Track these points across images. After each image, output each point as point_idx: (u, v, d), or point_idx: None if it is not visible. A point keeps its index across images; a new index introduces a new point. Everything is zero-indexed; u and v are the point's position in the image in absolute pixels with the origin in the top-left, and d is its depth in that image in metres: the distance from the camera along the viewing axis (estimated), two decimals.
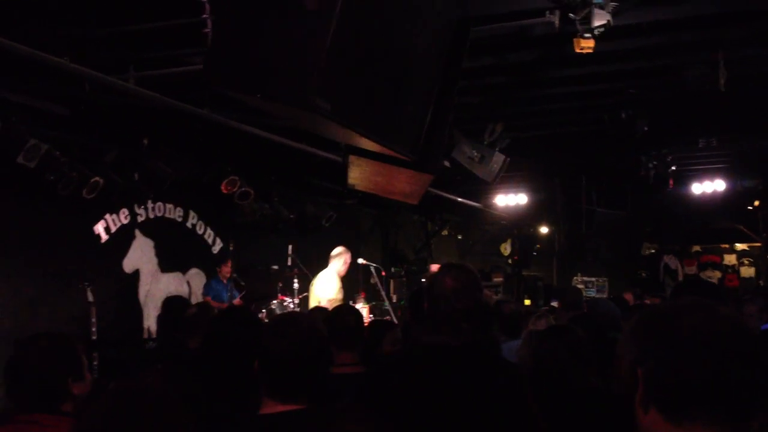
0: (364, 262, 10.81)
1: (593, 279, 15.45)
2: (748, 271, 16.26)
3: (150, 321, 9.78)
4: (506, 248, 16.67)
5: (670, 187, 10.89)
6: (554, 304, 8.18)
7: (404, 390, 2.56)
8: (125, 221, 9.51)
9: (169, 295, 9.64)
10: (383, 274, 10.70)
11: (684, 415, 1.38)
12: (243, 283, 10.37)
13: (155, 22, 5.32)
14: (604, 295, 13.77)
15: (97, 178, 7.86)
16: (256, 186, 10.12)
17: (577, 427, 2.88)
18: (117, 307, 9.13)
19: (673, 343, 1.41)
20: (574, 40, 5.17)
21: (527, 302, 14.12)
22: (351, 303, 9.54)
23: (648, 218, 14.50)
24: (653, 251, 16.27)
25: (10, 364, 2.67)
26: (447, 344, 2.70)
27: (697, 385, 1.38)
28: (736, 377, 1.37)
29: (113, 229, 9.33)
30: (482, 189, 13.03)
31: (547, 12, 5.13)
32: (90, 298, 7.79)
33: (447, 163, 7.91)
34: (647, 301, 9.93)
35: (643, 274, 16.25)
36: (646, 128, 7.68)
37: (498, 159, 7.92)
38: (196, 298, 10.02)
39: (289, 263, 10.64)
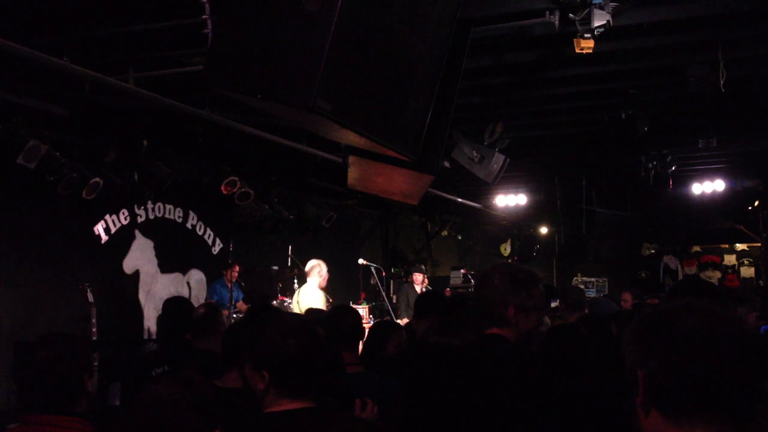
0: (365, 262, 10.83)
1: (593, 279, 15.45)
2: (748, 271, 16.27)
3: (150, 321, 9.78)
4: (506, 248, 16.68)
5: (670, 187, 10.90)
6: (554, 304, 8.17)
7: (413, 389, 2.56)
8: (125, 222, 9.51)
9: (170, 295, 9.67)
10: (383, 274, 10.70)
11: (685, 415, 1.39)
12: (243, 284, 10.37)
13: (155, 22, 5.33)
14: (604, 296, 13.78)
15: (97, 179, 7.86)
16: (256, 187, 10.12)
17: (585, 426, 2.88)
18: (117, 307, 9.13)
19: (673, 345, 1.41)
20: (574, 40, 5.17)
21: None
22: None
23: (648, 218, 14.49)
24: (653, 251, 16.26)
25: (24, 366, 2.66)
26: (455, 344, 2.70)
27: (697, 385, 1.38)
28: (735, 377, 1.38)
29: (113, 229, 9.32)
30: (482, 189, 13.03)
31: (547, 12, 5.13)
32: (90, 298, 7.79)
33: (447, 164, 7.92)
34: (649, 301, 9.93)
35: (643, 275, 16.25)
36: (646, 128, 7.68)
37: (498, 159, 7.92)
38: (196, 299, 10.02)
39: (289, 264, 10.64)
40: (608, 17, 4.95)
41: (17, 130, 6.98)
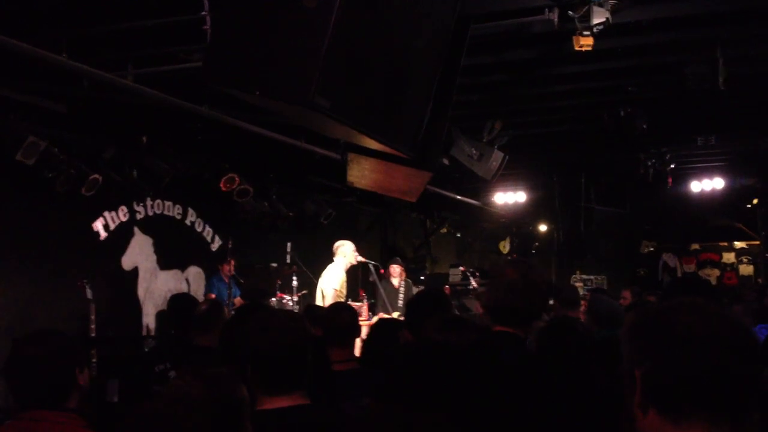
0: (363, 259, 10.81)
1: (592, 277, 15.45)
2: (746, 269, 16.27)
3: (149, 318, 9.79)
4: (505, 246, 16.68)
5: (669, 185, 10.89)
6: (552, 302, 8.17)
7: (414, 387, 2.57)
8: (124, 219, 9.51)
9: (168, 292, 9.69)
10: (382, 272, 10.69)
11: (682, 414, 1.39)
12: (242, 281, 10.38)
13: (154, 19, 5.32)
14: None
15: (95, 176, 7.87)
16: (255, 183, 10.12)
17: (581, 422, 2.88)
18: (116, 304, 9.13)
19: (670, 344, 1.42)
20: (573, 37, 5.17)
21: None
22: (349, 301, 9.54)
23: (647, 216, 14.51)
24: (652, 249, 16.27)
25: (15, 362, 2.67)
26: (456, 342, 2.71)
27: (695, 384, 1.39)
28: (732, 374, 1.38)
29: (112, 226, 9.32)
30: (481, 187, 13.03)
31: (546, 10, 5.13)
32: (89, 295, 7.79)
33: (446, 161, 7.91)
34: (648, 299, 9.94)
35: (642, 272, 16.26)
36: (645, 126, 7.67)
37: (497, 157, 7.91)
38: (195, 295, 10.02)
39: (288, 261, 10.65)
40: (607, 15, 4.95)
41: (16, 126, 6.98)
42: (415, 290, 10.71)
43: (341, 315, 4.18)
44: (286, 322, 2.60)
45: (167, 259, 10.20)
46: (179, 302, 5.88)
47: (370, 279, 11.10)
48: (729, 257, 16.45)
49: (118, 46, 6.00)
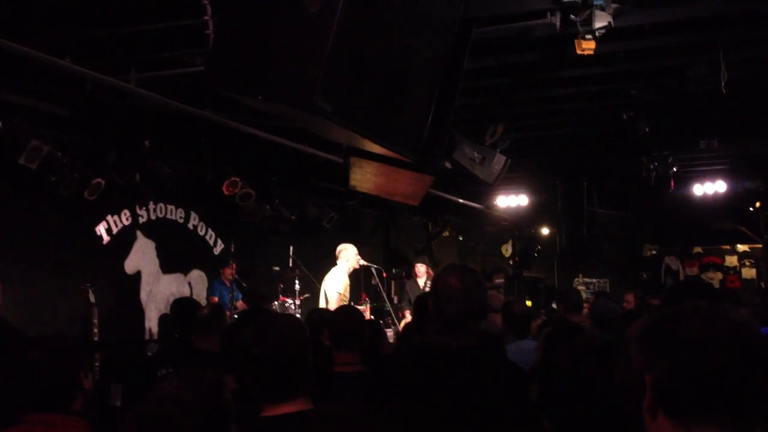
0: (366, 263, 10.81)
1: (594, 280, 15.44)
2: (749, 273, 16.24)
3: (151, 322, 9.79)
4: (507, 249, 16.66)
5: (672, 188, 10.89)
6: (555, 305, 8.17)
7: (410, 390, 2.56)
8: (127, 222, 9.51)
9: (171, 296, 9.69)
10: (384, 275, 10.69)
11: (693, 419, 1.39)
12: (244, 285, 10.38)
13: (157, 23, 5.33)
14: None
15: (98, 179, 7.87)
16: (258, 187, 10.13)
17: (583, 428, 2.88)
18: (118, 308, 9.13)
19: (678, 348, 1.41)
20: (576, 41, 5.17)
21: (528, 303, 14.12)
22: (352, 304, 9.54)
23: (649, 219, 14.48)
24: (654, 252, 16.25)
25: (21, 366, 2.67)
26: (453, 345, 2.70)
27: (705, 389, 1.38)
28: (742, 378, 1.38)
29: (115, 230, 9.33)
30: (483, 190, 13.03)
31: (548, 13, 5.14)
32: (91, 299, 7.79)
33: (448, 165, 7.92)
34: (651, 302, 9.93)
35: (645, 276, 16.24)
36: (647, 129, 7.68)
37: (499, 160, 7.92)
38: (198, 299, 10.02)
39: (291, 264, 10.65)
40: (609, 18, 4.95)
41: (19, 130, 6.99)
42: None
43: (348, 319, 4.20)
44: (285, 328, 2.59)
45: (170, 263, 10.21)
46: (182, 306, 5.89)
47: (373, 282, 11.11)
48: (732, 260, 16.42)
49: (121, 50, 6.01)
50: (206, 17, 4.55)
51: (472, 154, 7.83)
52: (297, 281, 10.20)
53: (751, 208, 13.60)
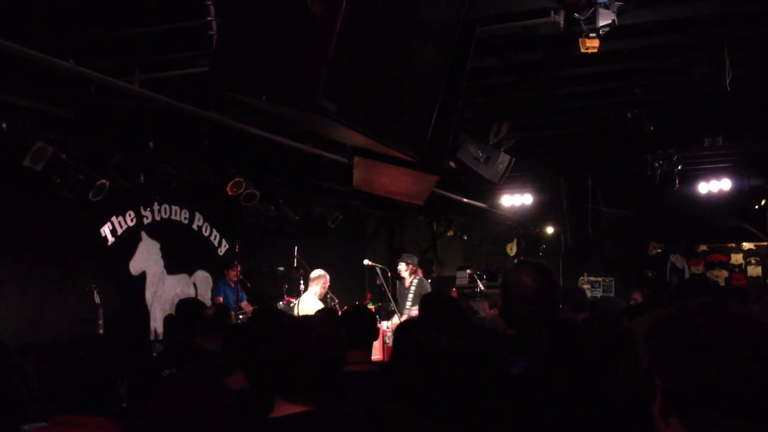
0: (370, 263, 10.81)
1: (599, 279, 15.41)
2: (755, 270, 16.20)
3: (157, 323, 9.80)
4: (512, 248, 16.64)
5: (677, 186, 10.87)
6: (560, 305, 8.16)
7: (420, 390, 2.56)
8: (131, 223, 9.53)
9: (176, 296, 9.71)
10: (389, 275, 10.68)
11: (706, 422, 1.34)
12: (249, 285, 10.39)
13: (160, 24, 5.34)
14: (610, 295, 13.77)
15: (103, 181, 7.89)
16: (262, 188, 10.13)
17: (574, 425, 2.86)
18: (123, 309, 9.15)
19: (689, 350, 1.37)
20: (579, 40, 5.17)
21: None
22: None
23: (654, 218, 14.45)
24: (660, 251, 16.21)
25: (63, 366, 2.66)
26: (461, 346, 2.70)
27: (718, 391, 1.33)
28: (757, 380, 1.33)
29: (119, 231, 9.35)
30: (488, 189, 13.03)
31: (552, 12, 5.12)
32: (97, 300, 7.82)
33: (452, 164, 7.91)
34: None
35: (650, 274, 16.19)
36: (651, 128, 7.66)
37: (503, 159, 7.91)
38: (203, 299, 10.03)
39: (295, 264, 10.65)
40: (613, 16, 4.94)
41: (24, 132, 7.00)
42: (429, 287, 10.51)
43: (363, 317, 4.23)
44: (322, 328, 2.56)
45: (174, 264, 10.22)
46: (187, 307, 5.89)
47: (377, 282, 11.11)
48: (737, 258, 16.38)
49: (124, 52, 6.02)
50: (209, 18, 4.55)
51: (476, 153, 7.82)
52: (302, 281, 10.20)
53: (756, 206, 13.56)
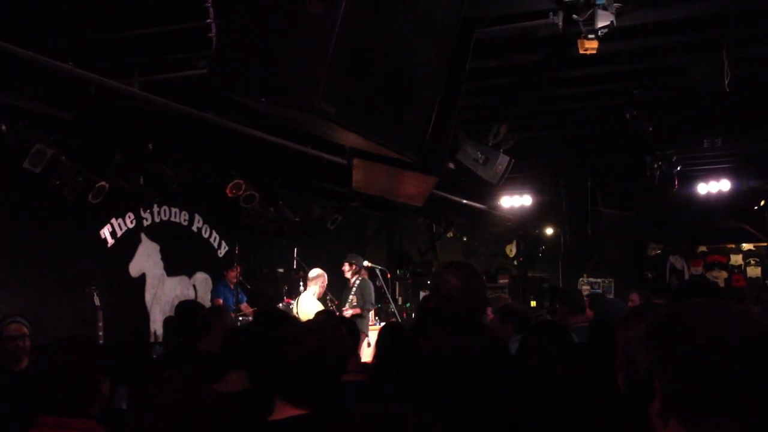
0: (370, 264, 10.81)
1: (599, 280, 15.40)
2: (754, 271, 16.19)
3: (156, 325, 9.80)
4: (511, 249, 16.63)
5: (676, 187, 10.87)
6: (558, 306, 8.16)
7: (432, 393, 2.56)
8: (131, 225, 9.53)
9: (176, 298, 9.70)
10: (388, 276, 10.69)
11: (706, 422, 1.34)
12: (249, 287, 10.39)
13: (160, 26, 5.34)
14: (610, 296, 13.76)
15: (102, 183, 7.89)
16: (261, 189, 10.13)
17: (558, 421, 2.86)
18: (123, 311, 9.15)
19: (688, 350, 1.36)
20: (578, 41, 5.17)
21: (533, 303, 14.11)
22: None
23: (654, 219, 14.45)
24: (659, 252, 16.20)
25: (45, 368, 2.67)
26: (470, 347, 2.70)
27: (717, 392, 1.33)
28: (757, 380, 1.33)
29: (119, 233, 9.35)
30: (487, 190, 13.02)
31: (551, 13, 5.13)
32: (96, 302, 7.81)
33: (451, 165, 7.92)
34: (658, 302, 9.89)
35: (649, 275, 16.19)
36: (650, 129, 7.67)
37: (503, 160, 7.92)
38: (202, 301, 10.03)
39: (295, 266, 10.66)
40: (612, 18, 4.95)
41: (23, 134, 7.00)
42: (371, 291, 10.54)
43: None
44: (327, 340, 2.56)
45: (174, 266, 10.22)
46: (186, 309, 5.90)
47: (377, 284, 11.11)
48: (737, 259, 16.37)
49: (123, 54, 6.03)
50: (209, 20, 4.55)
51: (475, 154, 7.83)
52: (301, 283, 10.20)
53: (756, 207, 13.57)
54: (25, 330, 5.17)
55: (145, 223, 9.78)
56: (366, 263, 10.92)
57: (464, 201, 12.92)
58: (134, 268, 9.61)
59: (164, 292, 10.01)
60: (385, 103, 3.23)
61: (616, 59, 6.38)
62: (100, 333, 7.63)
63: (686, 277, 15.90)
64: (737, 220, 14.55)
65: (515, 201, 14.05)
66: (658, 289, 13.60)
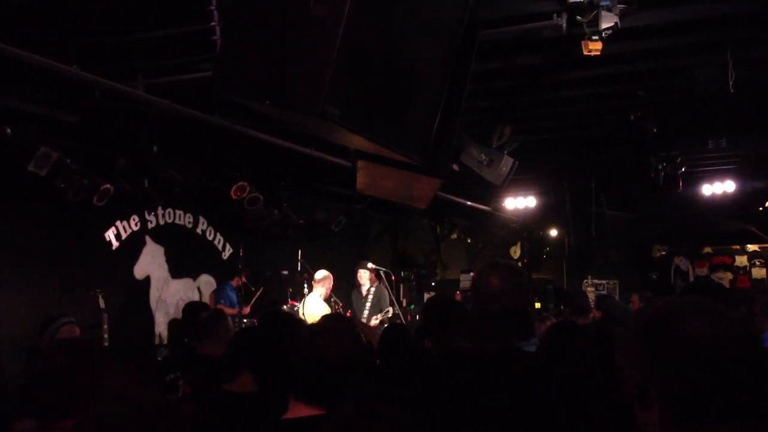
0: (374, 266, 10.80)
1: (603, 282, 15.38)
2: (759, 272, 16.15)
3: (161, 327, 9.81)
4: (516, 251, 16.61)
5: (680, 188, 10.84)
6: (562, 307, 8.14)
7: (445, 396, 2.55)
8: (136, 228, 9.54)
9: (182, 301, 9.72)
10: (393, 278, 10.68)
11: (709, 426, 1.35)
12: (253, 289, 10.39)
13: (164, 29, 5.35)
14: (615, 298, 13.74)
15: (107, 185, 7.90)
16: (266, 191, 10.14)
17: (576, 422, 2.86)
18: (128, 313, 9.16)
19: (687, 356, 1.36)
20: (582, 42, 5.17)
21: (537, 305, 14.08)
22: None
23: (658, 220, 14.42)
24: (664, 253, 16.17)
25: (46, 371, 2.66)
26: (485, 350, 2.68)
27: (715, 393, 1.34)
28: (751, 380, 1.34)
29: (124, 235, 9.36)
30: (491, 192, 13.01)
31: (555, 15, 5.13)
32: (101, 304, 7.83)
33: (455, 167, 7.91)
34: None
35: (654, 276, 16.15)
36: (655, 130, 7.66)
37: (507, 162, 7.91)
38: (209, 303, 10.04)
39: (299, 268, 10.66)
40: (616, 19, 4.94)
41: (28, 137, 7.02)
42: (387, 297, 10.39)
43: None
44: (342, 340, 2.57)
45: (179, 268, 10.23)
46: (192, 310, 5.91)
47: (381, 285, 11.09)
48: (742, 260, 16.33)
49: (128, 57, 6.04)
50: (213, 23, 4.56)
51: (479, 156, 7.82)
52: (305, 285, 10.20)
53: (761, 208, 13.54)
54: (77, 331, 5.20)
55: (150, 226, 9.79)
56: (370, 265, 10.92)
57: (468, 203, 12.92)
58: (139, 271, 9.63)
59: (169, 295, 10.02)
60: (389, 105, 3.24)
61: (620, 61, 6.37)
62: (105, 335, 7.65)
63: (691, 278, 15.87)
64: (742, 222, 14.52)
65: (519, 203, 14.04)
66: (663, 290, 13.57)
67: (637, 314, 1.54)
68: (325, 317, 2.88)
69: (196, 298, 10.35)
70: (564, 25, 5.14)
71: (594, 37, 5.07)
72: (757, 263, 16.19)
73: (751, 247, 16.16)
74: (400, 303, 10.51)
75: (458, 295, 11.89)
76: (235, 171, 9.63)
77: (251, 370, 3.54)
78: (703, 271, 16.30)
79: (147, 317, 9.72)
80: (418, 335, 4.95)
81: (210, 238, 10.94)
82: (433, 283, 14.03)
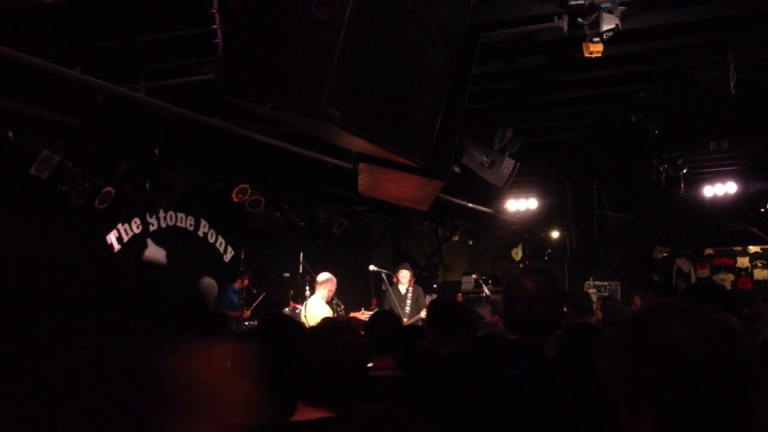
0: (376, 268, 10.80)
1: (605, 283, 15.38)
2: (761, 274, 16.16)
3: None
4: (517, 253, 16.63)
5: (682, 190, 10.84)
6: (565, 308, 8.09)
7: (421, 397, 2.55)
8: (137, 231, 9.54)
9: None
10: (395, 280, 10.67)
11: (687, 428, 1.35)
12: (255, 291, 10.39)
13: (166, 32, 5.36)
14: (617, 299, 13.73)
15: (109, 188, 7.91)
16: (267, 194, 10.15)
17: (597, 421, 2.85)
18: None
19: (667, 362, 1.36)
20: (583, 44, 5.17)
21: None
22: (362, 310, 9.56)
23: (660, 221, 14.42)
24: (665, 255, 16.17)
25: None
26: (452, 353, 2.68)
27: (699, 397, 1.34)
28: (736, 385, 1.34)
29: (126, 238, 9.37)
30: (493, 194, 13.01)
31: (556, 17, 5.13)
32: None
33: (457, 169, 7.91)
34: None
35: (656, 278, 16.15)
36: (656, 131, 7.65)
37: (508, 164, 7.90)
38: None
39: (301, 270, 10.66)
40: (617, 21, 4.94)
41: (30, 140, 7.03)
42: (427, 298, 10.52)
43: (386, 324, 4.22)
44: (346, 341, 2.57)
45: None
46: None
47: (383, 288, 11.10)
48: (743, 262, 16.34)
49: (130, 60, 6.05)
50: (215, 26, 4.57)
51: (481, 158, 7.82)
52: (307, 287, 10.20)
53: (762, 209, 13.53)
54: None
55: (152, 229, 9.79)
56: (372, 267, 10.92)
57: (470, 205, 12.92)
58: None
59: None
60: (391, 107, 3.24)
61: (621, 62, 6.37)
62: None
63: (693, 280, 15.86)
64: (744, 223, 14.51)
65: (521, 204, 14.04)
66: (664, 292, 13.55)
67: (620, 320, 1.53)
68: (327, 320, 2.88)
69: None
70: (565, 27, 5.14)
71: (595, 39, 5.07)
72: (759, 264, 16.19)
73: (752, 249, 16.17)
74: (399, 305, 10.49)
75: (460, 297, 11.89)
76: (237, 173, 9.64)
77: None
78: (705, 272, 16.30)
79: None
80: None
81: (212, 240, 10.94)
82: (434, 286, 14.02)
